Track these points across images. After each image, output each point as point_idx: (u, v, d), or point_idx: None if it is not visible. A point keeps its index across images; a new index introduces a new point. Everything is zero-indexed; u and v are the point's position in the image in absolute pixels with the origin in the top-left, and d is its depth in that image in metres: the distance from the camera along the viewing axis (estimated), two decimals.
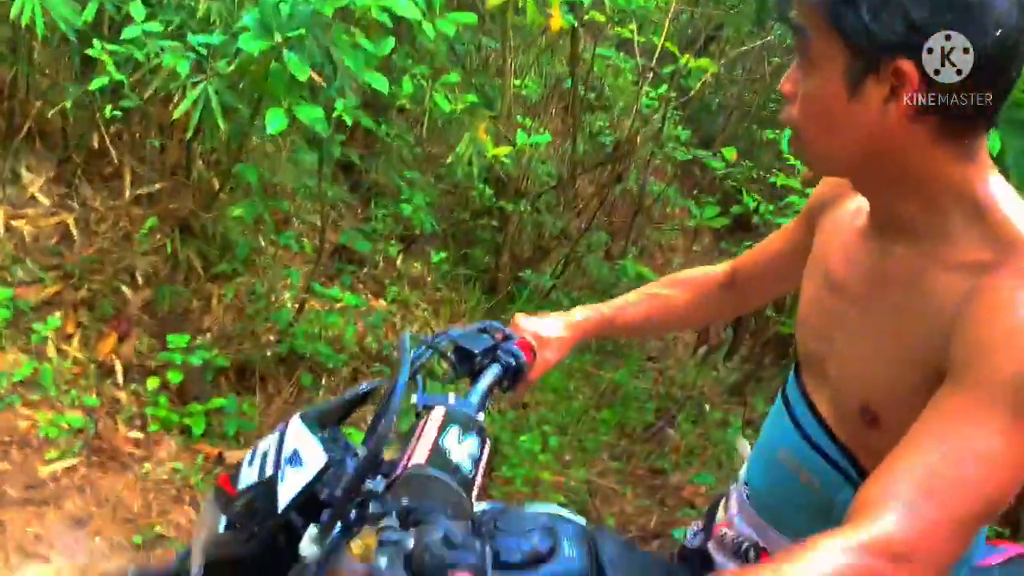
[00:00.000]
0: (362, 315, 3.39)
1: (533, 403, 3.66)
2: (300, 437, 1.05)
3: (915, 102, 0.85)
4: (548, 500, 3.02)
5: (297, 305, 3.20)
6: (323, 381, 3.12)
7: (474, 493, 1.00)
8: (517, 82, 4.17)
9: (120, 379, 2.72)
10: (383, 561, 0.83)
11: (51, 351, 2.68)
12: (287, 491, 1.00)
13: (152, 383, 2.66)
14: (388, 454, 1.13)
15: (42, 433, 2.38)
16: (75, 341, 2.76)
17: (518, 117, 4.09)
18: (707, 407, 4.21)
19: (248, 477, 1.04)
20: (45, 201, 3.04)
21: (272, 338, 3.10)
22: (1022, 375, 0.78)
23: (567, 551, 1.07)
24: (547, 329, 1.32)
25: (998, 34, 0.81)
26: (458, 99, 3.10)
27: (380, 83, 2.42)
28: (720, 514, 1.25)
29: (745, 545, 1.16)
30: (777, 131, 4.05)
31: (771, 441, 1.15)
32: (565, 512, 1.18)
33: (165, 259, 3.08)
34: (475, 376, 1.23)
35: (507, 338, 1.30)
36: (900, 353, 0.92)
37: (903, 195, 0.92)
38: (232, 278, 3.16)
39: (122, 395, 2.66)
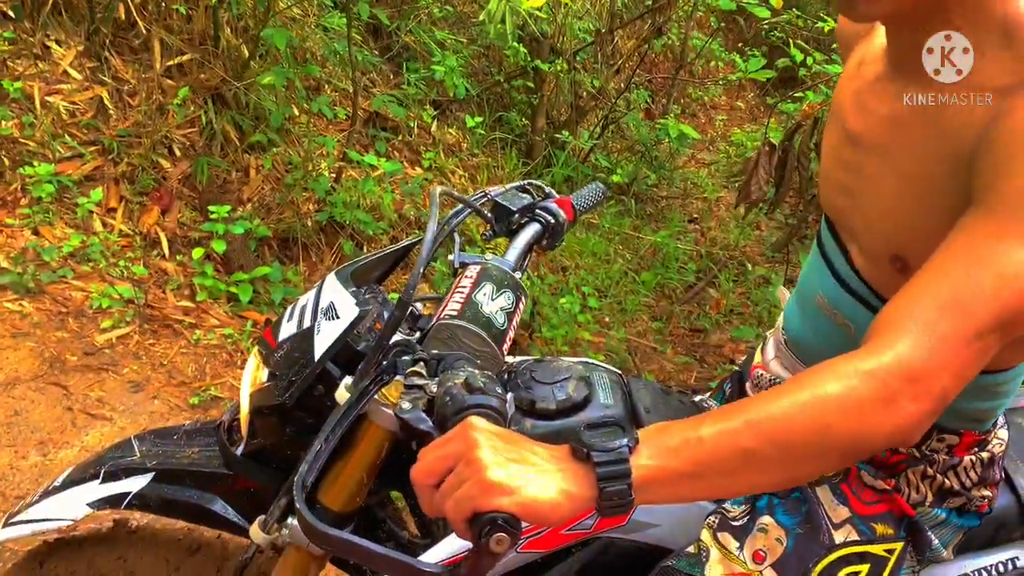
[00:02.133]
0: (399, 182, 3.39)
1: (573, 266, 3.67)
2: (335, 291, 1.07)
3: None
4: (588, 357, 3.08)
5: (334, 173, 3.20)
6: (364, 248, 3.15)
7: (506, 346, 1.01)
8: None
9: (166, 250, 2.77)
10: (406, 404, 0.85)
11: (97, 224, 2.73)
12: (322, 341, 1.03)
13: (197, 253, 2.71)
14: (426, 310, 1.15)
15: (95, 303, 2.45)
16: (119, 214, 2.80)
17: None
18: (749, 266, 4.18)
19: (287, 330, 1.07)
20: (77, 75, 3.02)
21: (312, 207, 3.11)
22: None
23: (603, 398, 1.08)
24: None
25: None
26: None
27: None
28: (757, 357, 1.26)
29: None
30: None
31: (808, 287, 1.14)
32: (599, 362, 1.18)
33: (200, 131, 3.08)
34: (513, 234, 1.22)
35: (547, 196, 1.29)
36: (924, 197, 0.90)
37: (941, 23, 0.87)
38: (268, 148, 3.16)
39: (169, 266, 2.72)
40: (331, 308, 1.06)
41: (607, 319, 3.44)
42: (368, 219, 3.09)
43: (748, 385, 1.24)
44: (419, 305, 1.16)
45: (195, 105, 3.04)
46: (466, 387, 0.83)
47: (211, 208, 2.75)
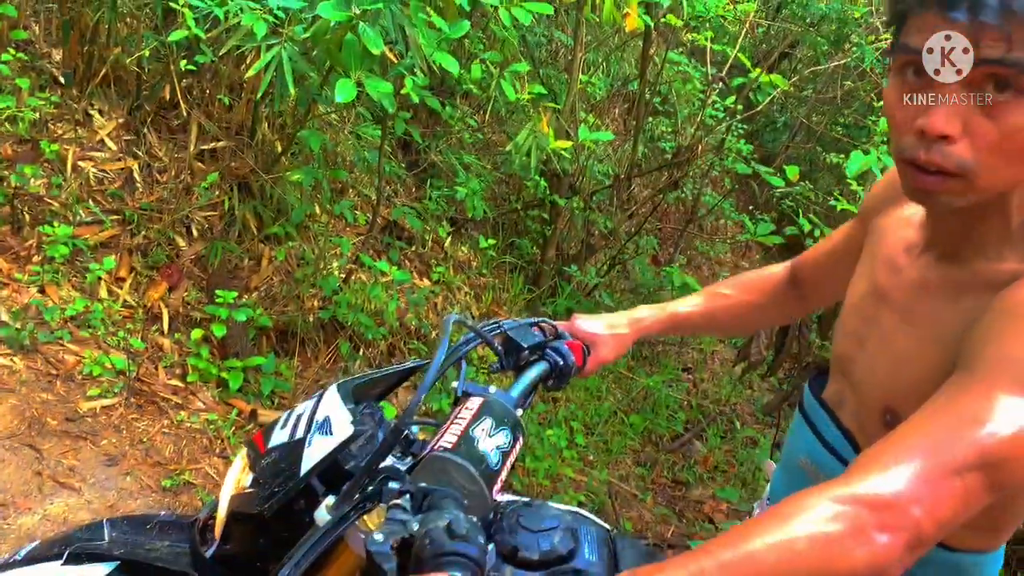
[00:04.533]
0: (406, 291, 3.42)
1: (564, 399, 3.66)
2: (333, 405, 1.06)
3: None
4: (568, 497, 3.03)
5: (344, 274, 3.24)
6: (361, 352, 3.16)
7: (497, 486, 0.99)
8: (584, 78, 4.16)
9: (165, 327, 2.78)
10: (379, 536, 0.82)
11: (103, 292, 2.75)
12: (312, 456, 1.01)
13: (196, 334, 2.72)
14: (422, 435, 1.12)
15: (86, 370, 2.44)
16: (127, 285, 2.82)
17: (581, 113, 4.08)
18: (738, 424, 4.17)
19: (279, 437, 1.06)
20: (113, 146, 3.11)
21: (316, 304, 3.14)
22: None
23: (587, 553, 1.05)
24: (607, 328, 1.32)
25: None
26: (524, 89, 3.10)
27: (451, 65, 2.43)
28: None
29: None
30: (842, 155, 3.99)
31: (792, 451, 1.15)
32: (589, 515, 1.16)
33: (221, 215, 3.14)
34: (520, 370, 1.22)
35: (558, 336, 1.29)
36: (930, 358, 0.92)
37: (990, 216, 0.91)
38: (284, 241, 3.21)
39: (166, 342, 2.72)
40: (327, 422, 1.04)
41: (591, 457, 3.41)
42: (370, 323, 3.11)
43: None
44: (415, 428, 1.13)
45: (221, 190, 3.11)
46: (448, 532, 0.81)
47: (218, 292, 2.78)
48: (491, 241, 3.93)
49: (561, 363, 1.23)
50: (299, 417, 1.06)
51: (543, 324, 1.30)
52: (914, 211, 1.04)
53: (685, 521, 3.43)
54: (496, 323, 1.23)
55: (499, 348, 1.21)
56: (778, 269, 1.40)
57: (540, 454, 3.06)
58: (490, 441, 0.99)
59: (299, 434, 1.03)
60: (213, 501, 1.14)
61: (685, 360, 4.82)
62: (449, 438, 0.97)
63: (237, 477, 1.08)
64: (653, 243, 4.94)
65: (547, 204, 4.19)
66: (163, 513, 1.24)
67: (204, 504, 1.16)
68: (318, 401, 1.08)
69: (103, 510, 2.02)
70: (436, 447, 0.95)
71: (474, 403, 1.03)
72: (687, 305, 1.39)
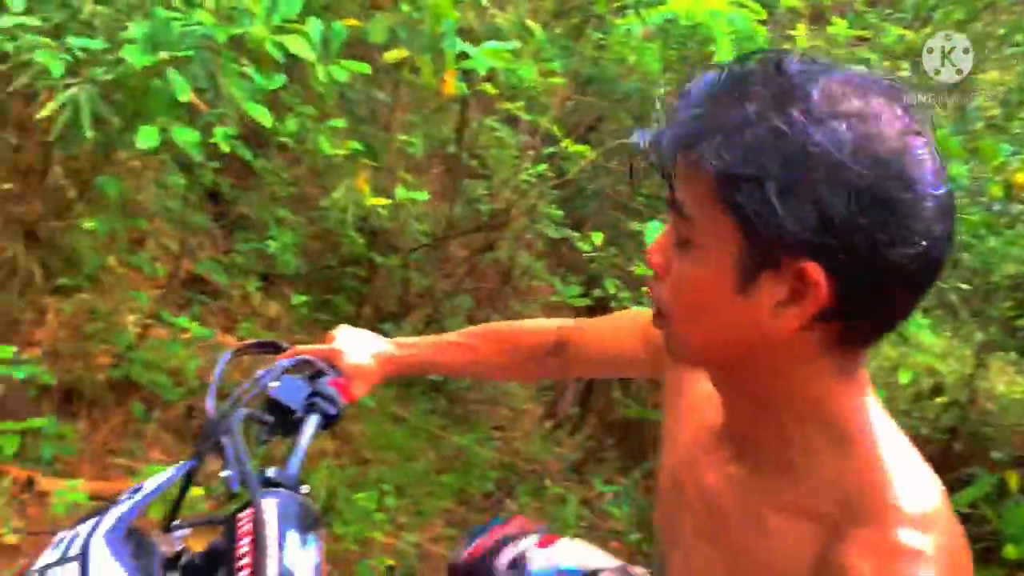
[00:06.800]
0: (208, 349, 3.27)
1: (375, 460, 3.60)
2: (110, 569, 0.83)
3: (818, 310, 0.71)
4: (376, 561, 2.96)
5: (140, 330, 3.05)
6: (156, 413, 2.97)
7: None
8: (403, 137, 4.20)
9: None
10: None
11: None
12: None
13: None
14: (197, 544, 0.96)
15: None
16: None
17: (400, 172, 4.11)
18: (548, 482, 4.26)
19: None
20: None
21: (107, 361, 2.93)
22: None
23: None
24: (360, 357, 1.23)
25: (923, 245, 0.69)
26: (342, 145, 3.10)
27: (263, 116, 2.39)
28: None
29: None
30: (643, 223, 4.25)
31: None
32: None
33: (1, 264, 2.88)
34: (290, 430, 1.09)
35: (319, 374, 1.18)
36: None
37: (763, 409, 0.79)
38: (73, 294, 2.99)
39: None
40: None
41: (402, 519, 3.36)
42: (167, 383, 2.95)
43: None
44: (184, 531, 0.95)
45: (3, 238, 2.86)
46: None
47: None
48: (303, 298, 3.84)
49: (333, 412, 1.12)
50: None
51: (298, 364, 1.17)
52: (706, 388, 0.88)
53: None
54: (254, 380, 1.09)
55: (267, 418, 1.08)
56: (550, 331, 1.29)
57: (349, 518, 2.98)
58: (305, 565, 0.85)
59: None
60: None
61: (497, 418, 4.89)
62: None
63: None
64: (469, 303, 5.01)
65: (364, 261, 4.16)
66: None
67: None
68: (83, 563, 0.84)
69: None
70: None
71: (269, 515, 0.87)
72: (444, 349, 1.32)
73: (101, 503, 0.99)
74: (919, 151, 0.71)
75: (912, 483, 0.74)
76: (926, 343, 4.01)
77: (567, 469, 4.49)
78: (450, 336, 1.35)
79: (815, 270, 0.69)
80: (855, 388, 0.77)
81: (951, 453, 4.19)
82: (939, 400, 4.36)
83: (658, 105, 0.79)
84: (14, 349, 2.58)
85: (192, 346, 3.14)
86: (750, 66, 0.73)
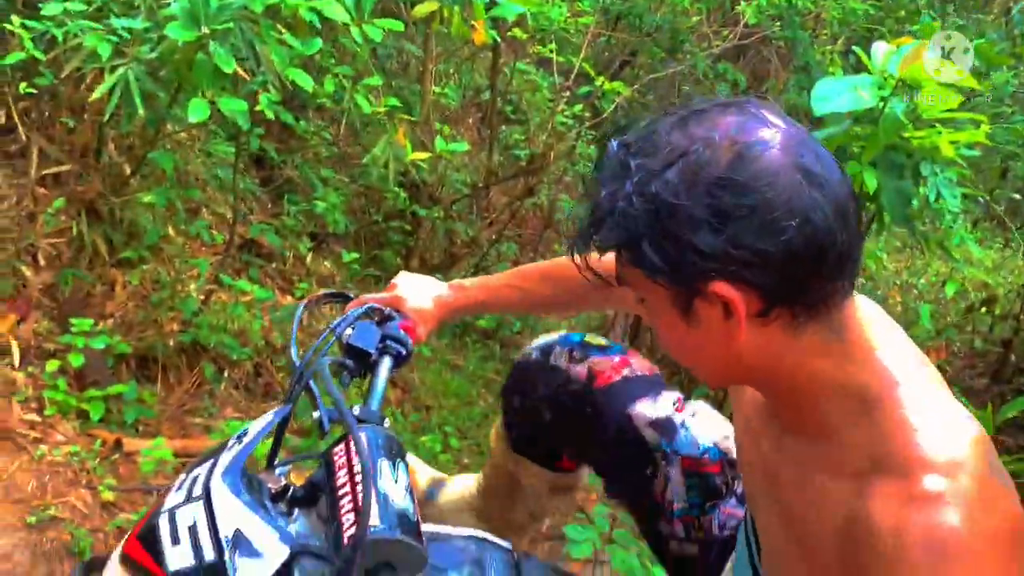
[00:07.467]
0: (269, 309, 3.40)
1: (436, 406, 3.73)
2: (235, 510, 0.92)
3: (753, 311, 0.81)
4: None
5: (203, 296, 3.18)
6: (226, 373, 3.11)
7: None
8: (437, 89, 4.25)
9: (16, 360, 2.65)
10: None
11: None
12: None
13: (51, 366, 2.61)
14: (298, 479, 1.04)
15: None
16: None
17: (436, 124, 4.17)
18: None
19: (178, 558, 0.92)
20: None
21: (176, 327, 3.07)
22: None
23: None
24: (422, 301, 1.33)
25: (794, 224, 0.76)
26: (379, 102, 3.16)
27: (304, 80, 2.46)
28: None
29: None
30: None
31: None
32: (490, 537, 1.15)
33: (69, 242, 3.02)
34: (367, 371, 1.18)
35: (387, 318, 1.26)
36: (797, 551, 0.90)
37: (788, 394, 0.88)
38: (138, 265, 3.12)
39: (18, 376, 2.60)
40: (242, 540, 0.90)
41: (466, 460, 3.49)
42: (234, 344, 3.08)
43: None
44: (285, 468, 1.05)
45: (67, 216, 3.00)
46: None
47: (73, 321, 2.68)
48: (353, 255, 3.95)
49: (403, 352, 1.21)
50: (193, 531, 0.92)
51: (370, 311, 1.27)
52: None
53: (560, 514, 3.56)
54: (331, 329, 1.18)
55: (347, 362, 1.17)
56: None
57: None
58: (397, 489, 0.93)
59: (209, 556, 0.90)
60: None
61: None
62: (372, 511, 0.89)
63: None
64: (513, 249, 5.08)
65: (408, 215, 4.24)
66: None
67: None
68: (208, 506, 0.93)
69: None
70: (367, 528, 0.87)
71: (361, 446, 0.94)
72: (497, 291, 1.41)
73: (210, 448, 1.08)
74: (752, 150, 0.78)
75: (935, 432, 0.79)
76: (975, 257, 3.98)
77: None
78: (501, 277, 1.45)
79: (723, 287, 0.79)
80: (854, 348, 0.84)
81: (1007, 364, 4.17)
82: (990, 312, 4.33)
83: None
84: (91, 322, 2.72)
85: (254, 308, 3.26)
86: (603, 157, 0.86)
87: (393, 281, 1.38)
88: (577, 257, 0.88)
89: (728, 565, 1.27)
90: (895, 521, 0.75)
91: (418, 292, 1.35)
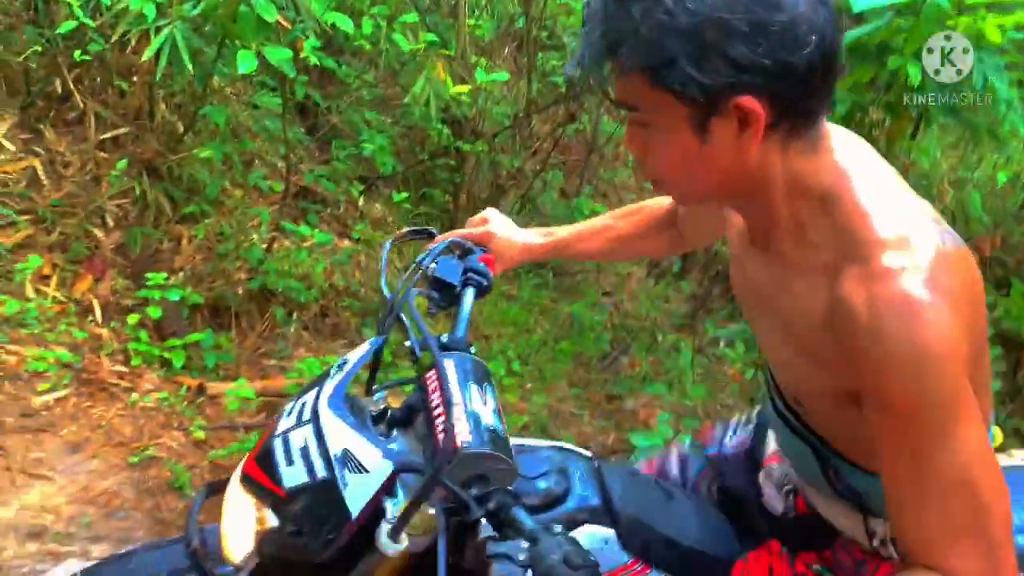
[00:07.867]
0: (329, 253, 3.51)
1: (496, 335, 3.83)
2: (342, 432, 0.99)
3: (765, 126, 0.87)
4: (512, 420, 3.21)
5: (266, 244, 3.30)
6: (295, 316, 3.24)
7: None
8: (471, 21, 4.24)
9: (99, 317, 2.81)
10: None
11: (30, 291, 2.76)
12: (356, 500, 0.96)
13: (132, 319, 2.76)
14: (395, 400, 1.11)
15: (31, 367, 2.48)
16: (52, 282, 2.84)
17: (473, 57, 4.17)
18: (660, 337, 4.42)
19: (293, 475, 0.98)
20: (11, 146, 3.07)
21: (243, 276, 3.20)
22: (915, 397, 0.84)
23: (579, 489, 1.14)
24: (511, 239, 1.40)
25: (814, 39, 0.83)
26: (417, 39, 3.19)
27: (345, 23, 2.51)
28: (771, 446, 1.32)
29: (787, 488, 1.26)
30: None
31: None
32: (573, 447, 1.22)
33: (134, 202, 3.15)
34: (452, 303, 1.23)
35: (467, 252, 1.32)
36: (801, 356, 0.98)
37: (765, 206, 0.95)
38: (201, 219, 3.24)
39: (103, 331, 2.76)
40: (350, 458, 0.96)
41: (529, 385, 3.60)
42: (300, 287, 3.20)
43: (762, 475, 1.31)
44: (382, 394, 1.11)
45: (129, 177, 3.12)
46: (568, 563, 0.87)
47: (148, 275, 2.82)
48: (403, 195, 4.03)
49: (485, 283, 1.27)
50: (305, 451, 0.98)
51: (453, 244, 1.32)
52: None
53: (623, 430, 3.66)
54: (417, 263, 1.23)
55: (433, 294, 1.23)
56: (663, 205, 1.46)
57: None
58: (487, 410, 1.00)
59: (322, 473, 0.96)
60: (205, 528, 1.09)
61: (603, 285, 5.04)
62: (461, 427, 0.95)
63: (252, 518, 1.00)
64: (559, 177, 5.10)
65: (452, 152, 4.29)
66: (139, 547, 1.23)
67: (191, 528, 1.08)
68: (317, 427, 0.99)
69: (77, 493, 2.11)
70: (460, 444, 0.94)
71: (449, 373, 1.01)
72: (579, 235, 1.48)
73: (306, 382, 1.15)
74: None
75: (887, 215, 0.89)
76: None
77: (677, 322, 4.64)
78: (590, 223, 1.52)
79: (748, 101, 0.84)
80: (823, 156, 0.92)
81: None
82: None
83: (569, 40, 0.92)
84: (164, 275, 2.86)
85: (315, 252, 3.37)
86: None
87: (484, 215, 1.42)
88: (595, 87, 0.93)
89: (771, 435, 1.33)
90: (866, 297, 0.85)
91: (509, 231, 1.40)
